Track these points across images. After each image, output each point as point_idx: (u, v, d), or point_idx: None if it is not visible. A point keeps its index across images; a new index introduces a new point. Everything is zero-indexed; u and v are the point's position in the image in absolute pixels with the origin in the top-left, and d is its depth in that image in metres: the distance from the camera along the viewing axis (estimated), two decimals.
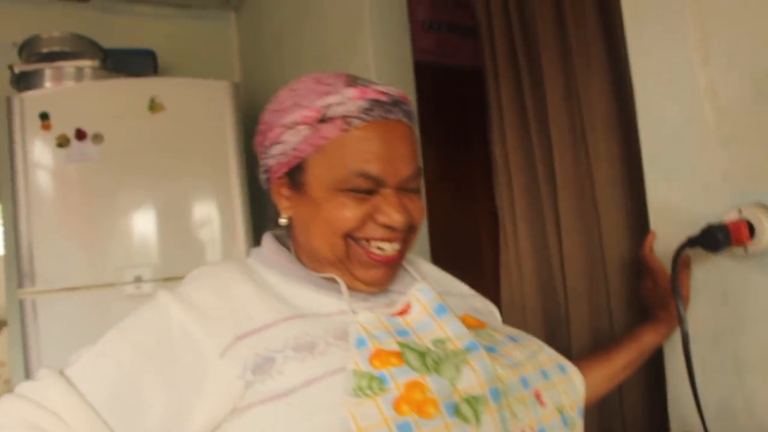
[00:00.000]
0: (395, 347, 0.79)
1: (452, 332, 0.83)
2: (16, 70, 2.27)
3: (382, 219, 0.87)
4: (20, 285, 2.07)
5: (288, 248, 0.97)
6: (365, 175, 0.86)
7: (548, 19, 1.60)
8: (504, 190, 1.77)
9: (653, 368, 1.30)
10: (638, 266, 1.39)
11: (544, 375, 0.88)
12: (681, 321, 1.06)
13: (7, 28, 2.61)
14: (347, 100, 0.86)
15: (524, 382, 0.84)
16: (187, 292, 0.84)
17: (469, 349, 0.81)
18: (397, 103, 0.90)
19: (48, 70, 2.27)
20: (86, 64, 2.28)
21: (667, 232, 1.18)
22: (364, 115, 0.86)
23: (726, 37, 1.07)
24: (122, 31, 2.82)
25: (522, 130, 1.70)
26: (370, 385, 0.74)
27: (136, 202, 2.20)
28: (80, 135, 2.13)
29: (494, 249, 2.05)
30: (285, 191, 0.94)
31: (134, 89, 2.23)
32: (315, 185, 0.88)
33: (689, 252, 1.09)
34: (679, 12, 1.13)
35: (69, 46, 2.31)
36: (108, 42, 2.48)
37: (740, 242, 1.00)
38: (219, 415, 0.76)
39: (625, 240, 1.45)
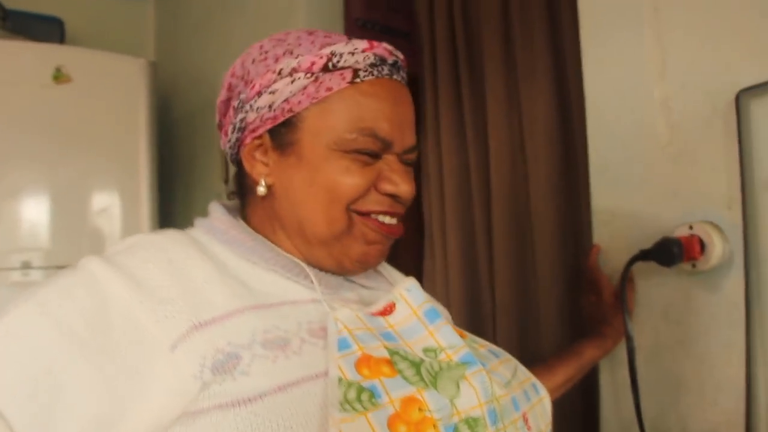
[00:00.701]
0: (384, 353, 0.68)
1: (445, 341, 0.73)
2: None
3: (388, 188, 0.76)
4: None
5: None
6: (375, 135, 0.75)
7: (493, 26, 1.58)
8: (434, 196, 1.73)
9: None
10: (575, 279, 1.38)
11: (526, 395, 0.80)
12: (628, 337, 1.04)
13: None
14: (356, 51, 0.76)
15: (515, 404, 0.75)
16: (128, 265, 0.67)
17: (465, 363, 0.71)
18: (399, 67, 0.81)
19: None
20: None
21: (611, 245, 1.16)
22: (373, 70, 0.76)
23: (683, 54, 1.07)
24: None
25: (458, 136, 1.67)
26: (359, 397, 0.63)
27: (29, 179, 1.99)
28: None
29: (412, 253, 2.01)
30: (261, 154, 0.79)
31: (39, 55, 2.04)
32: (311, 144, 0.75)
33: (635, 265, 1.07)
34: (637, 25, 1.13)
35: None
36: (9, 3, 2.25)
37: (691, 258, 1.00)
38: (164, 422, 0.62)
39: (558, 252, 1.44)
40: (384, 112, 0.76)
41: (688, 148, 1.06)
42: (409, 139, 0.79)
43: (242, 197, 0.85)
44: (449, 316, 0.99)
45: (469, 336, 0.83)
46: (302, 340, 0.69)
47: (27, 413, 0.58)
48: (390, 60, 0.79)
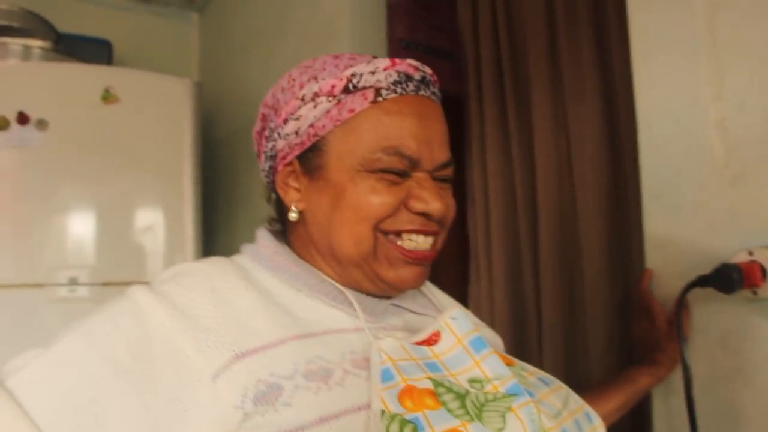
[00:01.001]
0: (428, 384, 0.66)
1: (492, 372, 0.71)
2: None
3: (418, 206, 0.75)
4: None
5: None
6: (400, 154, 0.73)
7: (540, 45, 1.57)
8: (479, 219, 1.71)
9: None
10: (625, 303, 1.35)
11: (578, 425, 0.76)
12: (685, 366, 1.00)
13: None
14: (377, 70, 0.75)
15: None
16: (172, 294, 0.68)
17: (512, 394, 0.69)
18: (428, 82, 0.79)
19: None
20: (36, 43, 2.11)
21: (665, 270, 1.13)
22: (396, 87, 0.75)
23: (740, 74, 1.04)
24: (77, 18, 2.65)
25: (504, 157, 1.65)
26: (402, 430, 0.61)
27: (77, 197, 2.02)
28: (22, 119, 1.96)
29: (456, 276, 1.98)
30: (293, 181, 0.80)
31: (89, 76, 2.08)
32: (337, 167, 0.75)
33: (691, 292, 1.04)
34: (692, 44, 1.10)
35: (18, 21, 2.13)
36: (59, 28, 2.31)
37: (751, 285, 0.96)
38: None
39: (607, 276, 1.41)
40: (409, 130, 0.74)
41: (746, 170, 1.03)
42: (441, 156, 0.77)
43: (283, 223, 0.86)
44: (500, 343, 0.97)
45: (518, 363, 0.80)
46: (345, 371, 0.68)
47: None
48: (416, 76, 0.77)
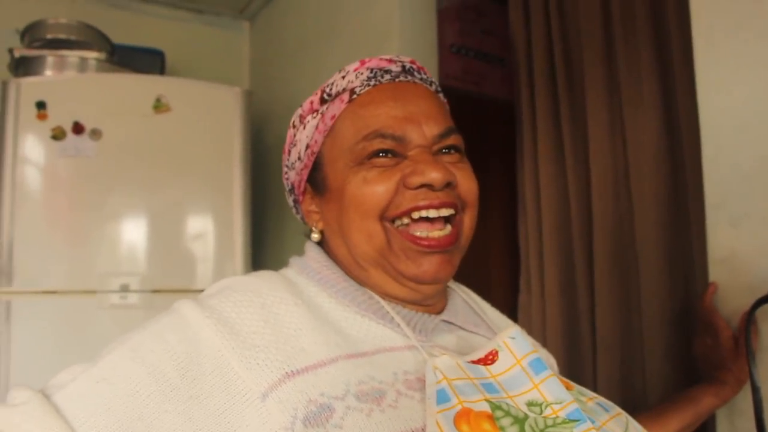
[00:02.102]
0: (485, 407, 0.63)
1: (551, 396, 0.67)
2: (16, 54, 2.13)
3: (414, 179, 0.71)
4: None
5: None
6: (381, 135, 0.72)
7: (595, 48, 1.51)
8: (531, 228, 1.66)
9: None
10: (685, 319, 1.28)
11: None
12: (754, 387, 0.94)
13: (11, 16, 2.47)
14: (348, 73, 0.77)
15: None
16: (220, 309, 0.66)
17: (573, 420, 0.65)
18: (409, 70, 0.79)
19: (50, 57, 2.14)
20: (92, 55, 2.15)
21: (730, 284, 1.07)
22: (369, 82, 0.76)
23: None
24: (130, 30, 2.70)
25: (557, 164, 1.60)
26: None
27: (129, 205, 2.05)
28: (78, 129, 2.00)
29: (505, 286, 1.94)
30: (311, 204, 0.81)
31: (141, 86, 2.11)
32: (334, 174, 0.75)
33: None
34: (761, 48, 1.04)
35: (76, 34, 2.18)
36: (114, 39, 2.36)
37: None
38: None
39: (666, 290, 1.34)
40: (386, 112, 0.74)
41: None
42: (433, 128, 0.74)
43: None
44: (554, 363, 0.93)
45: (576, 387, 0.76)
46: (398, 393, 0.65)
47: None
48: (393, 67, 0.77)
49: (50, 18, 2.20)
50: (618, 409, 0.76)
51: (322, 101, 0.77)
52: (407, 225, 0.72)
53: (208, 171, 2.15)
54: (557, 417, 0.65)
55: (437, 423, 0.60)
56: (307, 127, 0.78)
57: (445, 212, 0.73)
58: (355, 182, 0.72)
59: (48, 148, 1.98)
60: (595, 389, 1.40)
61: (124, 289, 1.97)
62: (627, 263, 1.42)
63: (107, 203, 2.02)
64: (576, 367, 1.51)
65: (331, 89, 0.77)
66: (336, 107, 0.76)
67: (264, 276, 0.74)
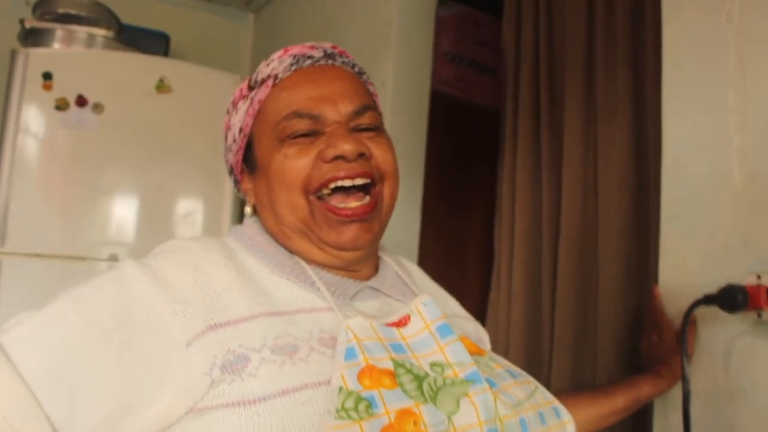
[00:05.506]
0: (389, 365, 0.70)
1: (454, 358, 0.74)
2: (27, 25, 2.20)
3: (329, 152, 0.78)
4: None
5: None
6: (298, 115, 0.80)
7: (577, 67, 1.61)
8: (505, 231, 1.75)
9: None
10: (637, 322, 1.38)
11: (541, 418, 0.79)
12: (684, 380, 1.04)
13: None
14: (273, 61, 0.85)
15: (523, 424, 0.74)
16: (157, 268, 0.72)
17: (470, 380, 0.72)
18: (331, 55, 0.86)
19: (59, 31, 2.21)
20: (100, 32, 2.23)
21: (677, 289, 1.17)
22: (291, 67, 0.83)
23: (765, 107, 1.08)
24: (138, 11, 2.77)
25: (534, 174, 1.70)
26: (356, 406, 0.65)
27: (124, 179, 2.13)
28: (81, 101, 2.07)
29: (479, 282, 2.03)
30: (248, 183, 0.88)
31: (145, 66, 2.19)
32: (261, 151, 0.83)
33: (698, 310, 1.08)
34: (721, 74, 1.14)
35: (86, 10, 2.25)
36: (122, 19, 2.43)
37: (756, 306, 1.00)
38: (174, 414, 0.66)
39: (622, 295, 1.44)
40: (304, 94, 0.81)
41: (763, 200, 1.06)
42: (348, 106, 0.82)
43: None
44: (484, 338, 1.00)
45: (490, 354, 0.84)
46: (311, 348, 0.71)
47: (55, 395, 0.64)
48: (315, 53, 0.85)
49: None
50: (527, 377, 0.84)
51: (250, 87, 0.85)
52: (328, 196, 0.80)
53: (201, 153, 2.23)
54: (456, 378, 0.72)
55: (342, 376, 0.67)
56: (239, 111, 0.85)
57: (360, 181, 0.80)
58: (278, 159, 0.80)
59: (51, 117, 2.06)
60: (548, 385, 1.50)
61: (113, 258, 2.04)
62: (588, 269, 1.52)
63: (103, 174, 2.10)
64: (535, 363, 1.61)
65: (257, 76, 0.85)
66: (262, 92, 0.83)
67: (203, 240, 0.80)
